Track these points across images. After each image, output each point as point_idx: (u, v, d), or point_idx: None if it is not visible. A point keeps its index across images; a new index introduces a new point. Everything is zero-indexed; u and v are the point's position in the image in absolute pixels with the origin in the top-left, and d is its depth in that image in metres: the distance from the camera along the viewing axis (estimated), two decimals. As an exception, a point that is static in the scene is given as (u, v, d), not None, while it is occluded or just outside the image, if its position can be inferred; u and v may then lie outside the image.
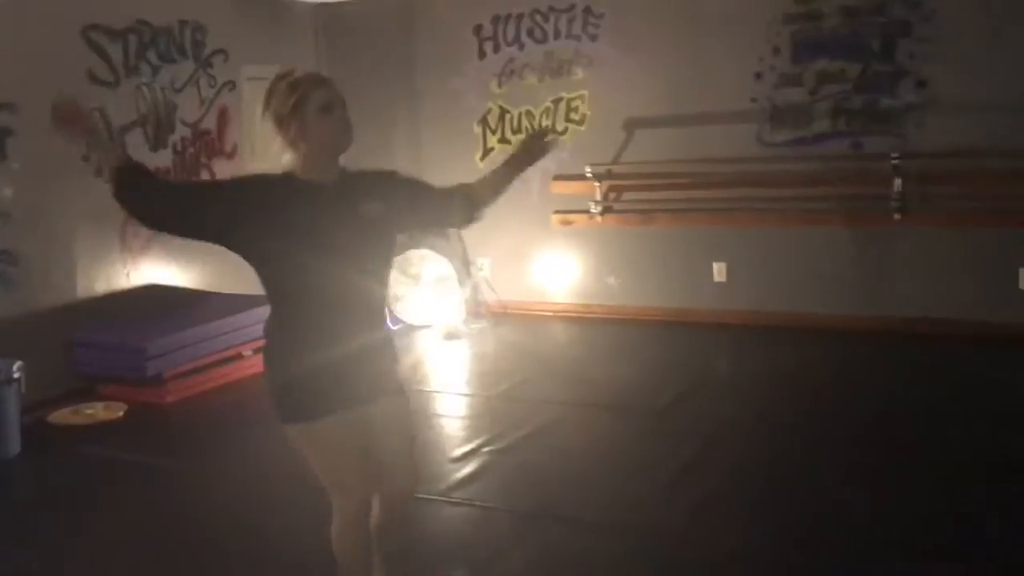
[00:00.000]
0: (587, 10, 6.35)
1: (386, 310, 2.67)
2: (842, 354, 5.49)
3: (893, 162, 5.53)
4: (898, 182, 5.55)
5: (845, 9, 5.68)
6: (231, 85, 6.27)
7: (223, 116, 6.24)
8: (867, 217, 5.71)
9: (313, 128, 2.36)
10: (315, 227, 2.36)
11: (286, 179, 2.40)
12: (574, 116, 6.52)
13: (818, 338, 5.72)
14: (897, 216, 5.59)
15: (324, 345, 2.40)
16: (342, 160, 2.48)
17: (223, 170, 6.22)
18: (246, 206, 2.36)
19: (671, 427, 4.46)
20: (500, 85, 6.71)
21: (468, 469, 4.06)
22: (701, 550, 3.25)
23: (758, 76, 5.92)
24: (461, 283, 6.58)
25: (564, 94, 6.53)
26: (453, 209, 2.65)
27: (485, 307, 6.90)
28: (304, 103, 2.35)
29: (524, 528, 3.50)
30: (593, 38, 6.37)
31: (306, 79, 2.42)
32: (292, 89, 2.37)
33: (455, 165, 6.94)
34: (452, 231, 6.94)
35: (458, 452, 4.26)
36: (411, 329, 6.50)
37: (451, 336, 6.35)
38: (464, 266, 6.88)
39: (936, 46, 5.46)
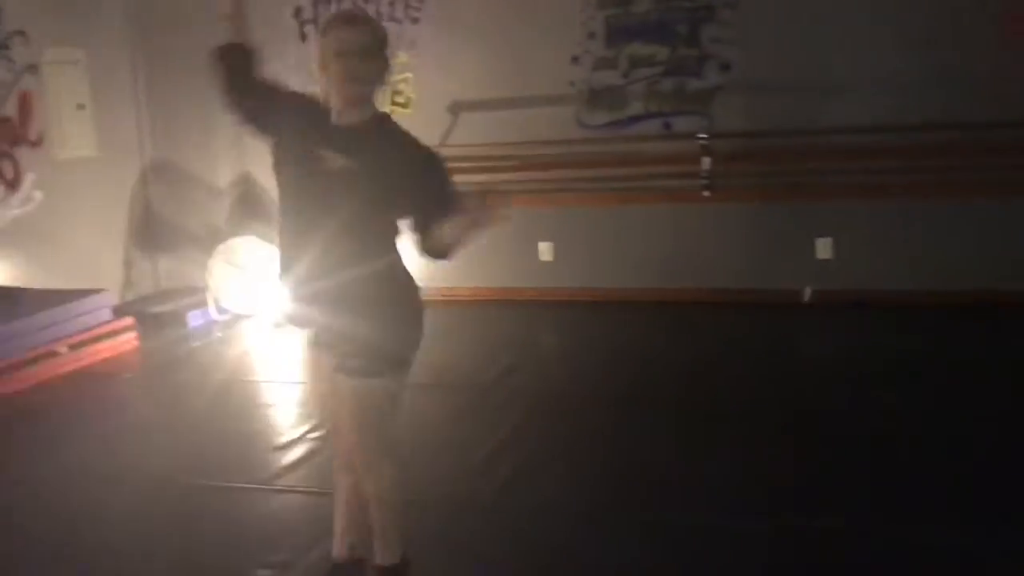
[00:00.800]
0: (408, -7, 6.36)
1: (386, 283, 2.61)
2: (660, 325, 5.77)
3: (701, 142, 5.84)
4: (706, 160, 5.86)
5: (655, -6, 5.93)
6: (33, 69, 5.94)
7: (25, 102, 5.91)
8: (679, 195, 6.00)
9: (324, 69, 2.44)
10: (306, 163, 2.44)
11: (322, 110, 2.49)
12: (399, 99, 6.52)
13: (639, 311, 5.98)
14: (706, 193, 5.90)
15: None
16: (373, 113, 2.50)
17: (28, 160, 5.90)
18: (287, 116, 2.53)
19: (492, 402, 4.57)
20: (324, 68, 6.63)
21: (292, 456, 4.04)
22: (512, 522, 3.36)
23: (575, 60, 6.10)
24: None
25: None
26: (424, 235, 2.57)
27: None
28: (326, 43, 2.44)
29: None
30: (415, 21, 6.39)
31: (338, 17, 2.56)
32: (324, 25, 2.51)
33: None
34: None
35: (283, 440, 4.24)
36: (238, 318, 6.37)
37: (280, 325, 6.25)
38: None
39: (738, 31, 5.78)
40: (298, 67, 6.63)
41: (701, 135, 5.84)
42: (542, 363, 5.32)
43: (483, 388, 4.77)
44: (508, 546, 3.18)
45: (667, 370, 4.94)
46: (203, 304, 6.36)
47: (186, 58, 6.55)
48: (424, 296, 2.75)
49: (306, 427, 4.34)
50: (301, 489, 3.75)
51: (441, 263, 2.64)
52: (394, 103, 6.53)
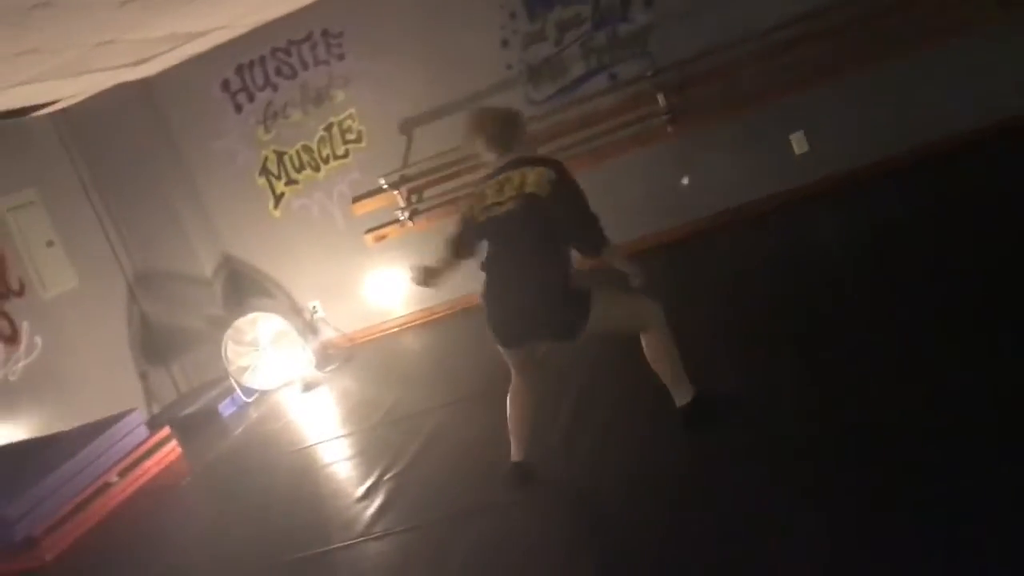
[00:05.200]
0: (325, 33, 6.36)
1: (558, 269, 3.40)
2: (664, 266, 5.82)
3: (650, 81, 5.89)
4: (660, 97, 5.91)
5: (559, -46, 5.96)
6: (-7, 222, 5.93)
7: (-3, 255, 5.90)
8: (646, 138, 6.05)
9: None
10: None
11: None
12: (350, 136, 6.55)
13: (646, 261, 6.01)
14: (669, 128, 5.95)
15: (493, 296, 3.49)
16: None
17: (17, 310, 5.89)
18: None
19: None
20: (267, 131, 6.65)
21: (377, 502, 4.08)
22: (610, 505, 3.41)
23: (505, 44, 6.13)
24: (300, 333, 6.50)
25: (333, 119, 6.54)
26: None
27: (331, 347, 6.86)
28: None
29: (446, 534, 3.58)
30: (340, 57, 6.40)
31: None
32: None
33: (251, 221, 6.86)
34: (272, 286, 6.89)
35: (361, 490, 4.27)
36: (268, 394, 6.39)
37: (309, 387, 6.28)
38: (296, 315, 6.81)
39: (650, -36, 5.83)
40: (242, 135, 6.69)
41: (647, 74, 5.89)
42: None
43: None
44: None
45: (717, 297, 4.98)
46: (229, 392, 6.37)
47: (136, 166, 6.60)
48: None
49: (378, 471, 4.38)
50: (399, 529, 3.78)
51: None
52: (346, 141, 6.56)
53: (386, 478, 4.29)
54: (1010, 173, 4.96)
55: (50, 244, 6.26)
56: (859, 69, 5.62)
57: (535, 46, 6.11)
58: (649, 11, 5.90)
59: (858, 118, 5.75)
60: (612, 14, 5.97)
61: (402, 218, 6.49)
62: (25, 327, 5.89)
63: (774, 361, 3.94)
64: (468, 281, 6.40)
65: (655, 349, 3.49)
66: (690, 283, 5.36)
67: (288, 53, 6.46)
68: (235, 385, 6.35)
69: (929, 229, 4.71)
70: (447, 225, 6.38)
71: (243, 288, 6.98)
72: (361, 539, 3.81)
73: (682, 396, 3.53)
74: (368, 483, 4.31)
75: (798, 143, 5.90)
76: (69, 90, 5.82)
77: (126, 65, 5.71)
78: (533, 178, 3.36)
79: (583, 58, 6.07)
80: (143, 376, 6.67)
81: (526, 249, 3.37)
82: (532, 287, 3.36)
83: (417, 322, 6.79)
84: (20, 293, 5.96)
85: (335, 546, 3.83)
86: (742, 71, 5.78)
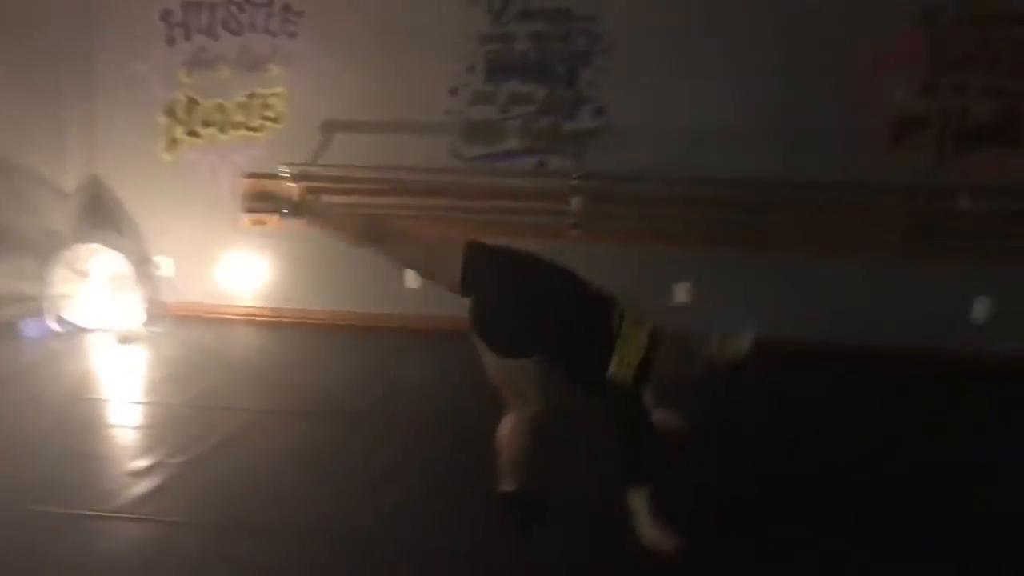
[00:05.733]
0: (286, 7, 6.19)
1: None
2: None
3: (572, 182, 5.97)
4: (576, 200, 6.00)
5: (534, 35, 6.02)
6: None
7: None
8: (549, 231, 6.09)
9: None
10: None
11: None
12: (269, 113, 6.33)
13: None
14: (574, 232, 6.03)
15: None
16: None
17: None
18: None
19: (370, 431, 4.47)
20: (190, 74, 6.36)
21: (150, 483, 3.81)
22: (398, 551, 3.30)
23: (454, 92, 6.11)
24: (137, 282, 6.12)
25: (259, 90, 6.32)
26: None
27: (165, 309, 6.50)
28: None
29: (212, 543, 3.36)
30: (292, 35, 6.22)
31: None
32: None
33: (135, 155, 6.49)
34: (129, 226, 6.52)
35: (137, 465, 3.98)
36: (80, 331, 5.96)
37: (126, 340, 5.90)
38: (141, 264, 6.42)
39: (614, 77, 5.96)
40: (163, 68, 6.39)
41: (573, 175, 5.98)
42: (414, 391, 5.23)
43: (358, 416, 4.65)
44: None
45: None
46: (37, 314, 5.90)
47: (41, 43, 6.16)
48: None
49: (163, 451, 4.11)
50: (162, 519, 3.52)
51: None
52: (264, 117, 6.34)
53: (170, 461, 4.02)
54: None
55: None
56: (770, 249, 5.88)
57: (481, 106, 6.11)
58: (597, 118, 6.01)
59: (746, 291, 5.98)
60: (562, 108, 6.05)
61: (286, 212, 6.24)
62: None
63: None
64: (351, 296, 6.38)
65: (509, 431, 3.47)
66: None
67: (242, 9, 6.23)
68: (47, 309, 5.89)
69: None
70: (327, 235, 6.34)
71: (98, 216, 6.55)
72: (118, 515, 3.53)
73: (507, 484, 3.56)
74: (148, 460, 4.03)
75: (681, 293, 6.07)
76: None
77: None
78: None
79: (521, 135, 6.11)
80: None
81: None
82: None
83: (260, 318, 6.52)
84: None
85: (88, 512, 3.54)
86: (657, 208, 5.94)
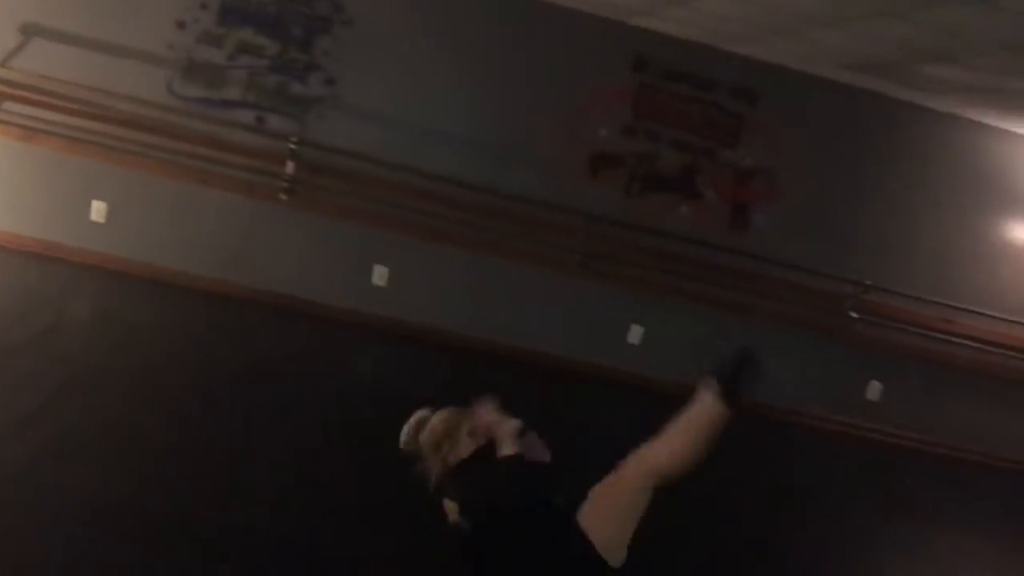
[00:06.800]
0: None
1: None
2: (221, 318, 5.70)
3: (291, 146, 5.91)
4: (291, 165, 5.95)
5: (276, -11, 5.90)
6: None
7: None
8: (258, 191, 5.99)
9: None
10: None
11: None
12: (-40, -1, 5.64)
13: (195, 298, 5.84)
14: (284, 196, 5.98)
15: None
16: None
17: None
18: None
19: (26, 367, 4.16)
20: None
21: None
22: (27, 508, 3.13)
23: (181, 25, 5.81)
24: None
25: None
26: None
27: None
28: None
29: None
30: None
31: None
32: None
33: None
34: None
35: None
36: None
37: None
38: None
39: (351, 51, 5.95)
40: None
41: (292, 139, 5.92)
42: (84, 330, 4.92)
43: (15, 349, 4.30)
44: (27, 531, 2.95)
45: (213, 364, 4.90)
46: None
47: None
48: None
49: None
50: None
51: None
52: (-48, 0, 5.64)
53: None
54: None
55: None
56: (467, 247, 6.20)
57: (207, 47, 5.86)
58: (327, 88, 5.99)
59: (440, 283, 6.27)
60: (293, 69, 5.97)
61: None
62: None
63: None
64: (31, 220, 5.76)
65: None
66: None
67: None
68: None
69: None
70: (12, 147, 5.79)
71: None
72: None
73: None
74: None
75: (379, 275, 6.24)
76: None
77: None
78: None
79: (245, 87, 5.93)
80: None
81: None
82: None
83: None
84: None
85: None
86: (371, 189, 6.05)
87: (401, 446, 3.20)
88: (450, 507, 3.08)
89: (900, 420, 6.73)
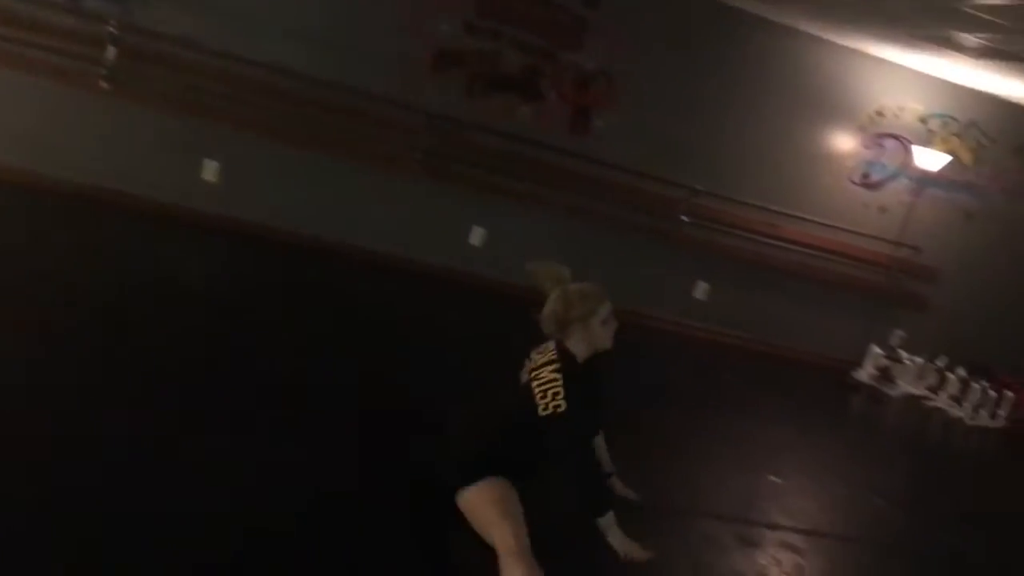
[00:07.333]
0: None
1: None
2: (22, 210, 5.34)
3: (110, 29, 5.50)
4: (111, 50, 5.54)
5: None
6: None
7: None
8: (75, 78, 5.57)
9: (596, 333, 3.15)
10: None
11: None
12: None
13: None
14: (105, 85, 5.58)
15: None
16: None
17: None
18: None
19: None
20: None
21: None
22: None
23: None
24: None
25: None
26: None
27: None
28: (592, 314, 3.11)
29: None
30: None
31: (595, 293, 3.13)
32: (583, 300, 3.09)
33: None
34: None
35: None
36: None
37: None
38: None
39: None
40: None
41: (112, 22, 5.50)
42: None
43: None
44: None
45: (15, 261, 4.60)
46: None
47: None
48: None
49: None
50: None
51: None
52: None
53: None
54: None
55: None
56: (297, 143, 6.00)
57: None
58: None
59: (272, 180, 6.07)
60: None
61: None
62: None
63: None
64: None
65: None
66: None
67: None
68: None
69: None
70: None
71: None
72: None
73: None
74: None
75: (210, 170, 5.98)
76: None
77: None
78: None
79: (58, -42, 5.45)
80: None
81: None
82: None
83: None
84: None
85: None
86: (197, 79, 5.73)
87: (533, 277, 3.12)
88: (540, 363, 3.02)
89: (724, 319, 7.12)
